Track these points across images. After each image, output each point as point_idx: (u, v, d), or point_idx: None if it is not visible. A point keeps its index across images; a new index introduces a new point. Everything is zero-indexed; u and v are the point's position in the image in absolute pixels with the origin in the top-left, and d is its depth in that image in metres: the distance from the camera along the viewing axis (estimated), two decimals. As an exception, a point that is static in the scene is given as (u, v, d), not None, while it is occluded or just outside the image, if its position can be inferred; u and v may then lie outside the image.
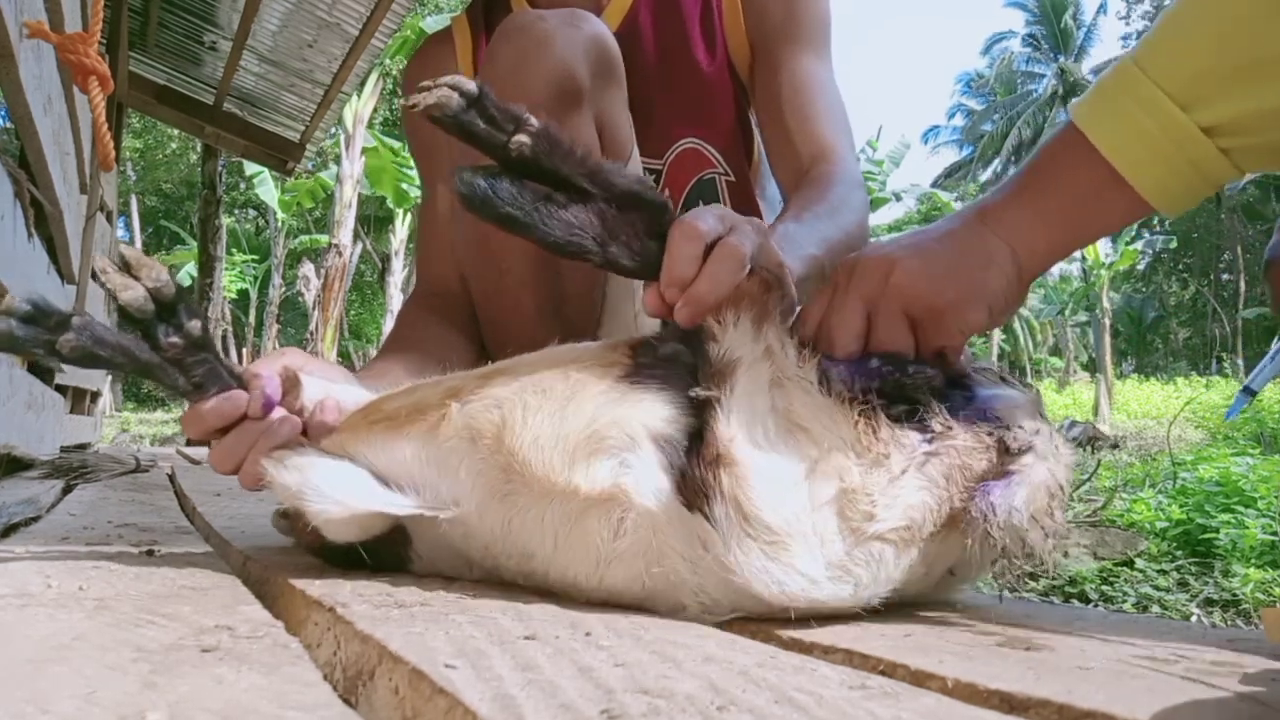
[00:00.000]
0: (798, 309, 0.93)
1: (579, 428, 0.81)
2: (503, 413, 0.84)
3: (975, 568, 0.83)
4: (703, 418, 0.78)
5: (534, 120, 0.88)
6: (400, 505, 0.88)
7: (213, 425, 0.97)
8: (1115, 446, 9.18)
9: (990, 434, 0.79)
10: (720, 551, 0.74)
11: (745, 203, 1.58)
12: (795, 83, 1.48)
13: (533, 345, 0.99)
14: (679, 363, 0.85)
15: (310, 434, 1.00)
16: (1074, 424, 9.96)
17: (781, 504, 0.74)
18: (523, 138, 0.86)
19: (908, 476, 0.76)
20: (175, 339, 0.93)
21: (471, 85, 0.87)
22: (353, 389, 1.09)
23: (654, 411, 0.80)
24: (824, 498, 0.75)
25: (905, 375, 0.83)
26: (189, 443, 7.71)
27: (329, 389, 1.05)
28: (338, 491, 0.88)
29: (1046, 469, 0.78)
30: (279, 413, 1.00)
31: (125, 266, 0.91)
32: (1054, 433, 0.82)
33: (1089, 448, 8.06)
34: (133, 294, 0.90)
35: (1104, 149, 0.86)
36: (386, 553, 0.94)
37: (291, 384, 1.02)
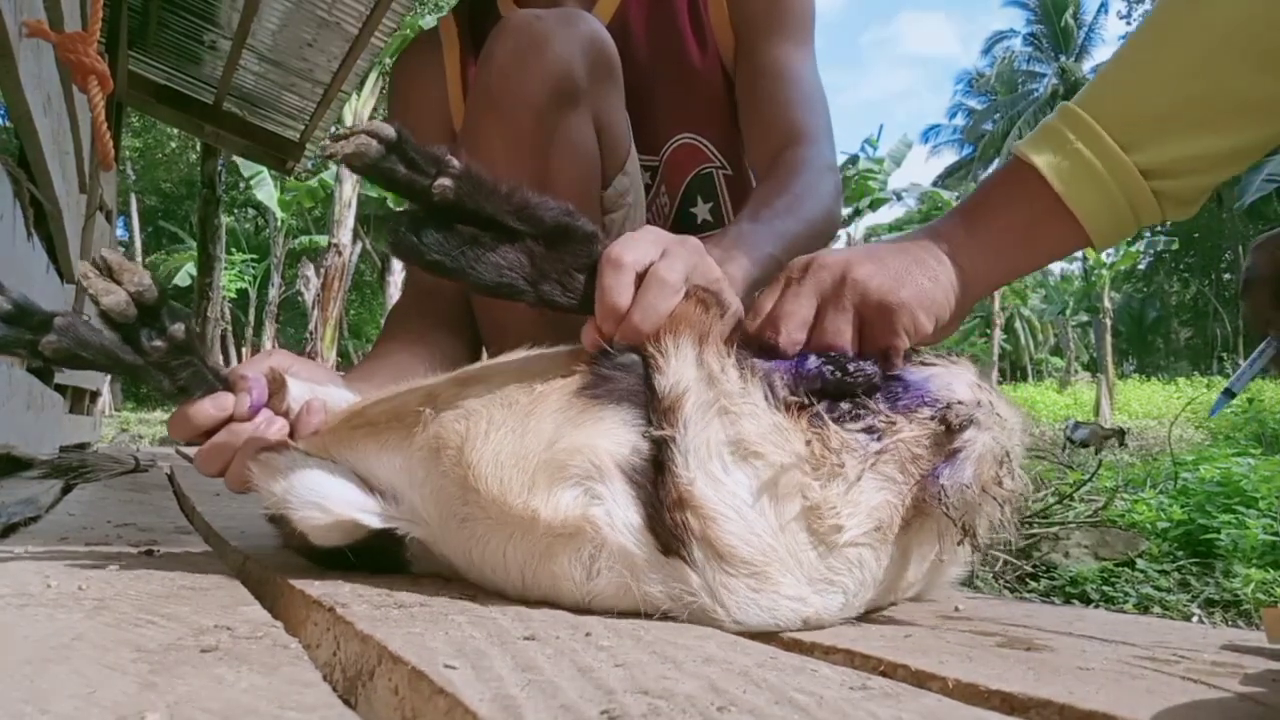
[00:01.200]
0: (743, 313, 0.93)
1: (537, 447, 0.79)
2: (468, 424, 0.83)
3: (956, 548, 0.82)
4: (660, 452, 0.78)
5: (455, 162, 0.87)
6: (375, 516, 0.88)
7: (199, 427, 0.97)
8: (1123, 433, 9.05)
9: (932, 418, 0.80)
10: (705, 599, 0.74)
11: (744, 196, 1.58)
12: (772, 70, 1.48)
13: (529, 340, 0.99)
14: (634, 371, 0.84)
15: (297, 435, 0.99)
16: (1078, 425, 9.88)
17: (752, 535, 0.74)
18: (445, 181, 0.85)
19: (865, 480, 0.77)
20: (159, 342, 0.93)
21: (390, 130, 0.85)
22: (339, 390, 1.08)
23: (615, 436, 0.79)
24: (790, 517, 0.75)
25: (846, 374, 0.83)
26: (188, 442, 7.70)
27: (315, 390, 1.04)
28: (321, 497, 0.87)
29: (990, 438, 0.79)
30: (265, 415, 0.99)
31: (107, 271, 0.90)
32: (994, 400, 0.83)
33: (1099, 447, 7.94)
34: (114, 299, 0.89)
35: (1050, 176, 0.90)
36: (382, 556, 0.94)
37: (278, 385, 1.02)
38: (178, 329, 0.93)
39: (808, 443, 0.78)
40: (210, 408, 0.96)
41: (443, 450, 0.84)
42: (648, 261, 0.88)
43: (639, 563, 0.76)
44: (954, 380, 0.84)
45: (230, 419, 0.97)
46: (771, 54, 1.49)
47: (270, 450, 0.93)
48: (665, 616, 0.76)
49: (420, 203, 0.86)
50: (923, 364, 0.86)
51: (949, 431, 0.79)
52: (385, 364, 1.35)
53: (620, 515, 0.77)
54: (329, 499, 0.87)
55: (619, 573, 0.77)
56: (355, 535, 0.90)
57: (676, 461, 0.76)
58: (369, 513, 0.88)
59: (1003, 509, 0.78)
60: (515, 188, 0.89)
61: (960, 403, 0.80)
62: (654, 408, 0.80)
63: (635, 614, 0.77)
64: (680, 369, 0.81)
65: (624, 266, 0.86)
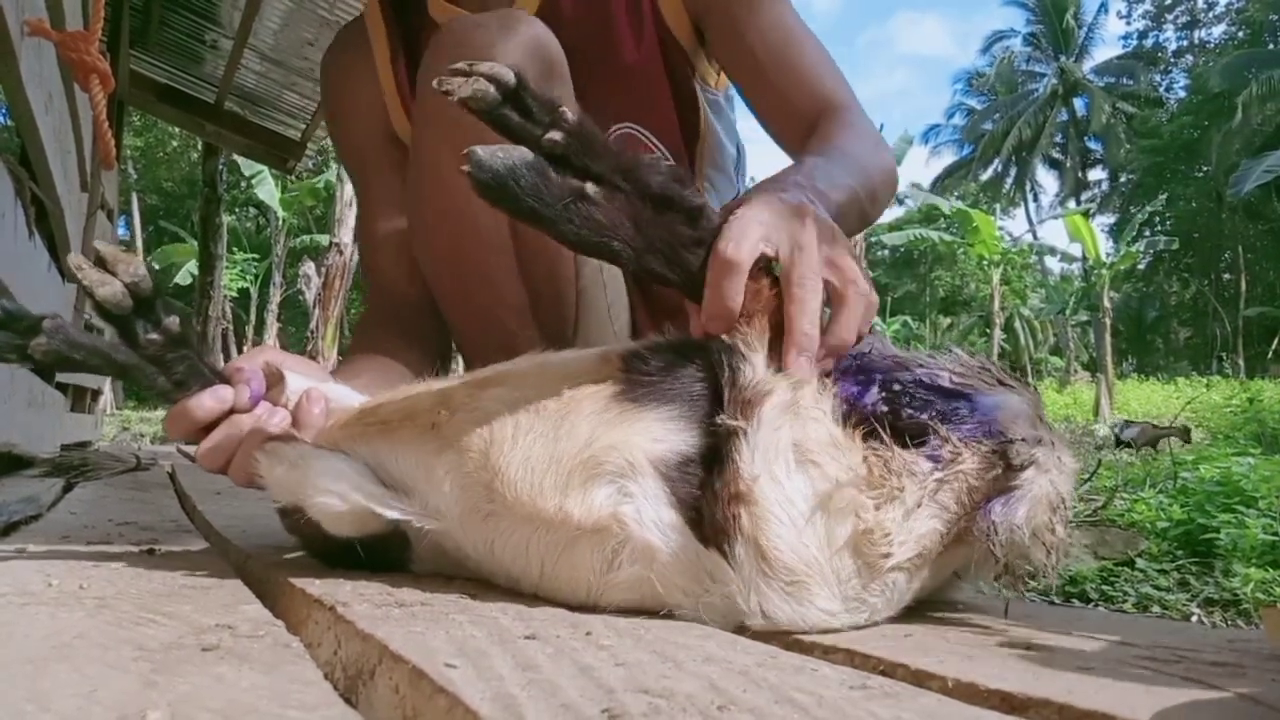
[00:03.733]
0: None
1: (573, 450, 0.79)
2: (492, 429, 0.83)
3: (979, 572, 0.82)
4: (722, 447, 0.76)
5: (570, 115, 0.85)
6: (392, 508, 0.87)
7: (199, 422, 0.96)
8: (1188, 431, 8.97)
9: (994, 451, 0.77)
10: (736, 592, 0.73)
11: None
12: (769, 41, 1.38)
13: (511, 347, 0.97)
14: (674, 374, 0.83)
15: (299, 427, 0.99)
16: (1128, 424, 9.69)
17: (801, 545, 0.73)
18: (556, 135, 0.83)
19: (922, 509, 0.75)
20: (154, 335, 0.92)
21: (509, 76, 0.83)
22: (334, 385, 1.08)
23: (653, 434, 0.79)
24: (842, 538, 0.74)
25: (910, 400, 0.81)
26: (185, 440, 7.70)
27: (310, 383, 1.05)
28: (338, 485, 0.87)
29: (1048, 481, 0.77)
30: (265, 406, 0.99)
31: (101, 263, 0.90)
32: (1056, 441, 0.81)
33: (1153, 447, 7.84)
34: (110, 289, 0.89)
35: None
36: (386, 555, 0.94)
37: (275, 379, 1.02)
38: (173, 321, 0.93)
39: (864, 459, 0.76)
40: (210, 401, 0.95)
41: (464, 453, 0.84)
42: (761, 256, 0.86)
43: (662, 558, 0.76)
44: (1022, 412, 0.81)
45: (231, 411, 0.96)
46: (757, 24, 1.38)
47: (277, 441, 0.93)
48: (670, 615, 0.76)
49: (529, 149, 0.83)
50: (999, 383, 0.83)
51: (1008, 469, 0.76)
52: (368, 364, 1.33)
53: (649, 512, 0.76)
54: (346, 488, 0.87)
55: (639, 568, 0.76)
56: (368, 527, 0.89)
57: (743, 456, 0.75)
58: (385, 504, 0.87)
59: (1050, 555, 0.76)
60: (623, 147, 0.87)
61: (1024, 440, 0.78)
62: (731, 398, 0.78)
63: (646, 610, 0.77)
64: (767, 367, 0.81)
65: (738, 269, 0.84)
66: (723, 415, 0.78)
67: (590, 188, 0.84)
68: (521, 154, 0.81)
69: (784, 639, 0.71)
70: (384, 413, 0.95)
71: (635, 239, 0.85)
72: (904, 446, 0.77)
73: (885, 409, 0.80)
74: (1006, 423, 0.79)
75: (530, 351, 0.96)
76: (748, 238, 0.86)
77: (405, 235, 1.44)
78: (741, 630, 0.74)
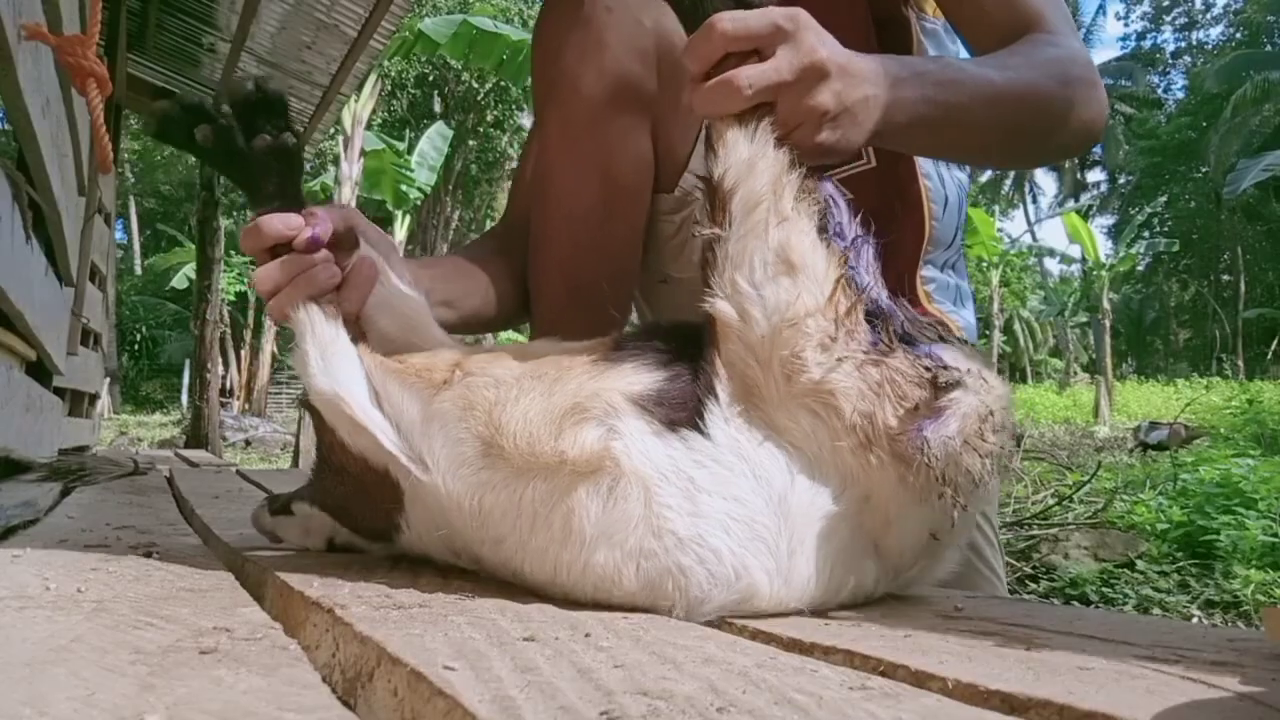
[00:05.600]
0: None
1: (563, 401, 0.81)
2: (498, 391, 0.85)
3: (953, 527, 0.82)
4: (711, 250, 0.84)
5: None
6: (384, 435, 0.89)
7: (266, 240, 0.97)
8: (1184, 442, 8.97)
9: (926, 369, 0.79)
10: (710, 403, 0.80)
11: None
12: None
13: (553, 324, 1.02)
14: (651, 340, 0.88)
15: (344, 287, 1.01)
16: (1153, 425, 9.60)
17: (761, 335, 0.80)
18: None
19: (845, 364, 0.78)
20: (268, 136, 0.98)
21: None
22: (396, 262, 1.12)
23: (629, 378, 0.82)
24: (807, 310, 0.79)
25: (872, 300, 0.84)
26: (187, 445, 7.71)
27: (373, 254, 1.08)
28: (350, 392, 0.91)
29: (976, 399, 0.79)
30: (325, 255, 1.00)
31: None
32: (983, 370, 0.83)
33: (1179, 449, 7.83)
34: (242, 79, 1.00)
35: None
36: (381, 506, 0.96)
37: (349, 242, 1.04)
38: (288, 138, 0.99)
39: (836, 290, 0.80)
40: (279, 224, 0.97)
41: (469, 411, 0.86)
42: (747, 38, 0.85)
43: (653, 480, 0.77)
44: (954, 351, 0.83)
45: (290, 247, 0.98)
46: None
47: (319, 311, 0.96)
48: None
49: None
50: (941, 340, 0.85)
51: (937, 388, 0.78)
52: (448, 260, 1.36)
53: (636, 444, 0.77)
54: (358, 400, 0.90)
55: (634, 501, 0.76)
56: (363, 449, 0.92)
57: (720, 260, 0.83)
58: (386, 435, 0.89)
59: (983, 461, 0.77)
60: None
61: (954, 368, 0.80)
62: (710, 198, 0.84)
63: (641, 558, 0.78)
64: (739, 151, 0.85)
65: (713, 39, 0.85)
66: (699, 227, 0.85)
67: None
68: None
69: (783, 639, 0.71)
70: (407, 363, 0.97)
71: None
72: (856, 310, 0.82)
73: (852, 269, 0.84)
74: (944, 356, 0.82)
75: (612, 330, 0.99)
76: (751, 17, 0.85)
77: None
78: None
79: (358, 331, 1.02)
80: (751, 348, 0.80)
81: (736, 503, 0.76)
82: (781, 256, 0.80)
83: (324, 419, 0.95)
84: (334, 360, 0.93)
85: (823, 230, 0.82)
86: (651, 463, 0.77)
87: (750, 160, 0.84)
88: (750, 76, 0.84)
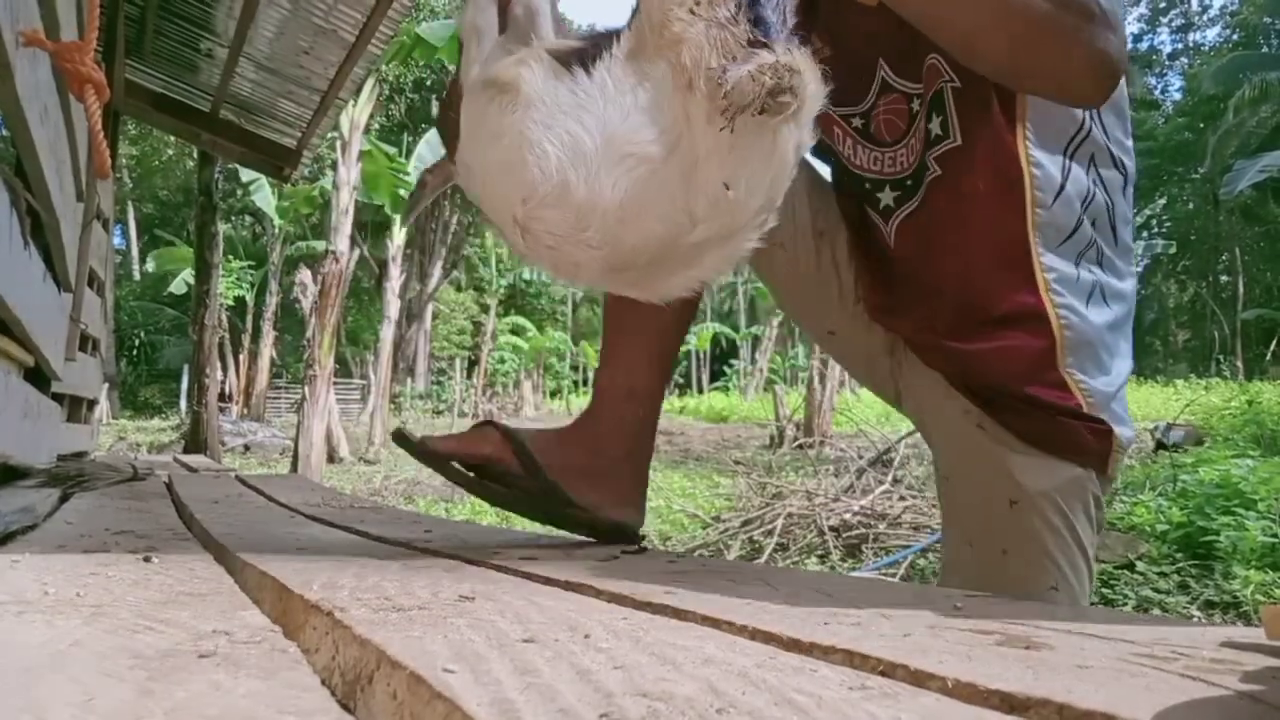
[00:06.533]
0: None
1: (517, 57, 1.07)
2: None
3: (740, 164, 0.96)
4: None
5: None
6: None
7: None
8: (1200, 442, 9.00)
9: (753, 38, 0.94)
10: None
11: (972, 108, 1.32)
12: None
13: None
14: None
15: None
16: (1170, 426, 9.64)
17: None
18: None
19: (701, 23, 0.94)
20: None
21: None
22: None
23: (569, 42, 1.09)
24: None
25: None
26: (186, 450, 7.71)
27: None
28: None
29: (775, 59, 0.93)
30: None
31: None
32: (801, 61, 0.95)
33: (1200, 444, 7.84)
34: None
35: None
36: None
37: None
38: None
39: None
40: None
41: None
42: None
43: (531, 98, 1.00)
44: (791, 46, 0.96)
45: None
46: None
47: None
48: None
49: None
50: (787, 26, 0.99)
51: (752, 47, 0.94)
52: None
53: (535, 74, 1.01)
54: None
55: (517, 112, 1.00)
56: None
57: None
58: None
59: (761, 92, 0.91)
60: None
61: (773, 42, 0.94)
62: None
63: None
64: None
65: None
66: None
67: None
68: None
69: (783, 638, 0.71)
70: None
71: None
72: None
73: None
74: (777, 35, 0.96)
75: None
76: None
77: None
78: None
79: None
80: (648, 13, 0.99)
81: (579, 125, 0.97)
82: None
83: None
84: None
85: None
86: (538, 89, 1.00)
87: None
88: None
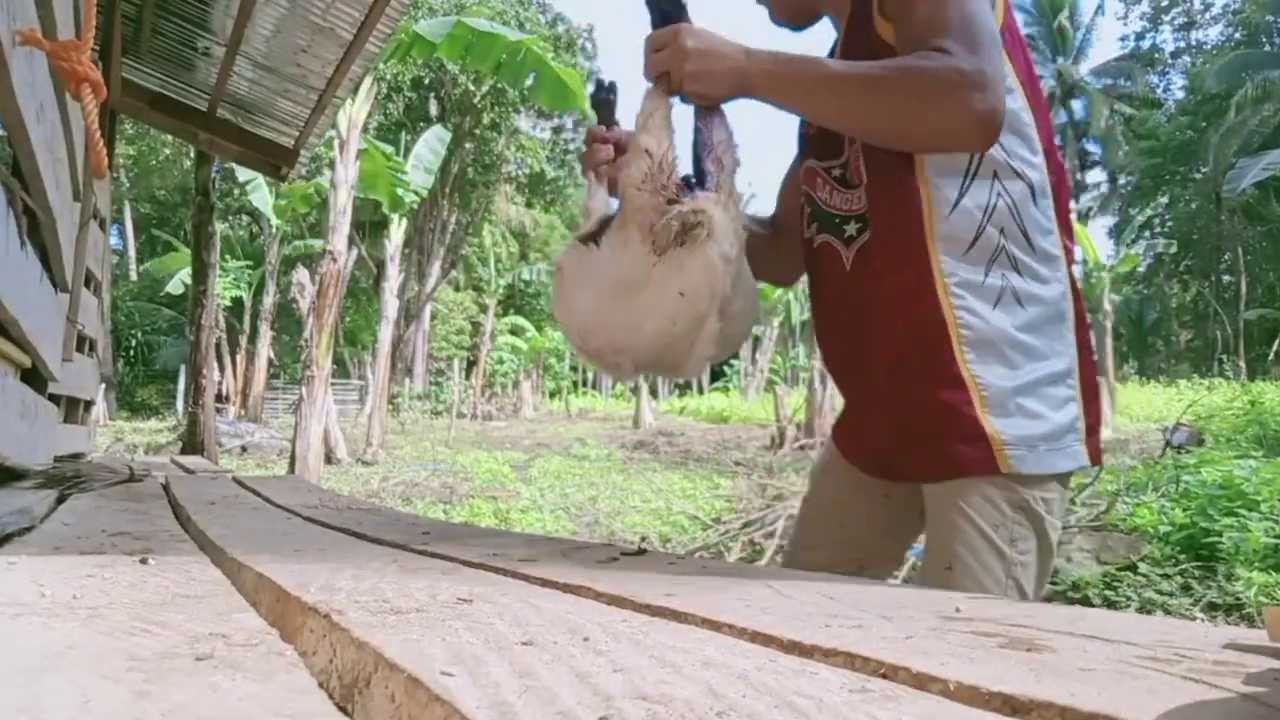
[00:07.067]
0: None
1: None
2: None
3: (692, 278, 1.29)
4: None
5: None
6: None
7: (595, 134, 1.64)
8: (1201, 442, 9.08)
9: (679, 200, 1.32)
10: None
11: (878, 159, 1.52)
12: (916, 16, 1.40)
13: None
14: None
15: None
16: (1178, 427, 9.70)
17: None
18: None
19: (648, 194, 1.33)
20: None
21: None
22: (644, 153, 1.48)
23: (590, 228, 1.48)
24: (641, 174, 1.35)
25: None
26: (183, 451, 7.70)
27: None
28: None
29: (691, 208, 1.29)
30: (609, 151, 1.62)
31: None
32: (715, 207, 1.32)
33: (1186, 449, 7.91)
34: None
35: None
36: None
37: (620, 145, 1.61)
38: (613, 86, 1.69)
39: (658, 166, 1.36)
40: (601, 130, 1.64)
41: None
42: (656, 40, 1.43)
43: (566, 270, 1.46)
44: (708, 198, 1.34)
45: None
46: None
47: (597, 177, 1.60)
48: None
49: None
50: (704, 189, 1.38)
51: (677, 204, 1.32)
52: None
53: (570, 255, 1.44)
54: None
55: (563, 283, 1.46)
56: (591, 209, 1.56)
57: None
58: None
59: (677, 227, 1.28)
60: None
61: (695, 205, 1.30)
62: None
63: None
64: (646, 101, 1.44)
65: (645, 43, 1.44)
66: None
67: None
68: None
69: (782, 641, 0.71)
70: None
71: None
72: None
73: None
74: (698, 194, 1.34)
75: None
76: (659, 33, 1.44)
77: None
78: None
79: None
80: (621, 192, 1.38)
81: (592, 280, 1.39)
82: (636, 149, 1.37)
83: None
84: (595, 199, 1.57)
85: (704, 142, 1.42)
86: (570, 263, 1.42)
87: (647, 105, 1.41)
88: (655, 59, 1.43)
